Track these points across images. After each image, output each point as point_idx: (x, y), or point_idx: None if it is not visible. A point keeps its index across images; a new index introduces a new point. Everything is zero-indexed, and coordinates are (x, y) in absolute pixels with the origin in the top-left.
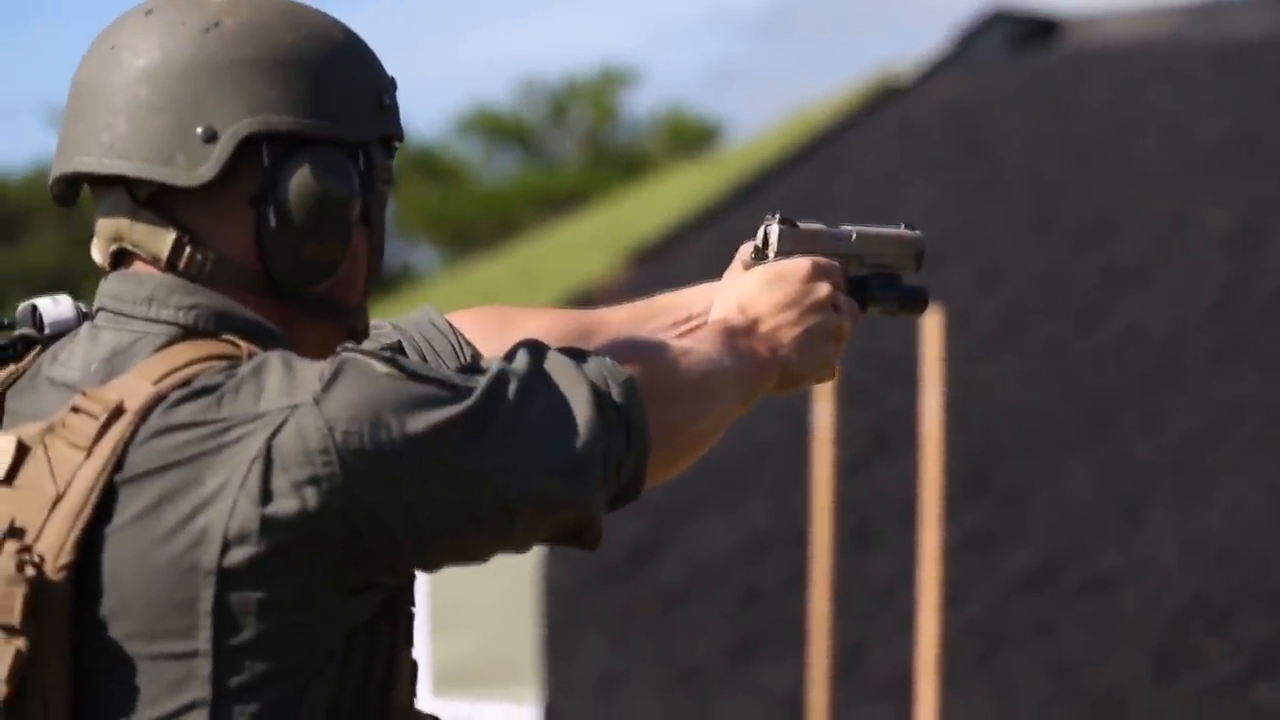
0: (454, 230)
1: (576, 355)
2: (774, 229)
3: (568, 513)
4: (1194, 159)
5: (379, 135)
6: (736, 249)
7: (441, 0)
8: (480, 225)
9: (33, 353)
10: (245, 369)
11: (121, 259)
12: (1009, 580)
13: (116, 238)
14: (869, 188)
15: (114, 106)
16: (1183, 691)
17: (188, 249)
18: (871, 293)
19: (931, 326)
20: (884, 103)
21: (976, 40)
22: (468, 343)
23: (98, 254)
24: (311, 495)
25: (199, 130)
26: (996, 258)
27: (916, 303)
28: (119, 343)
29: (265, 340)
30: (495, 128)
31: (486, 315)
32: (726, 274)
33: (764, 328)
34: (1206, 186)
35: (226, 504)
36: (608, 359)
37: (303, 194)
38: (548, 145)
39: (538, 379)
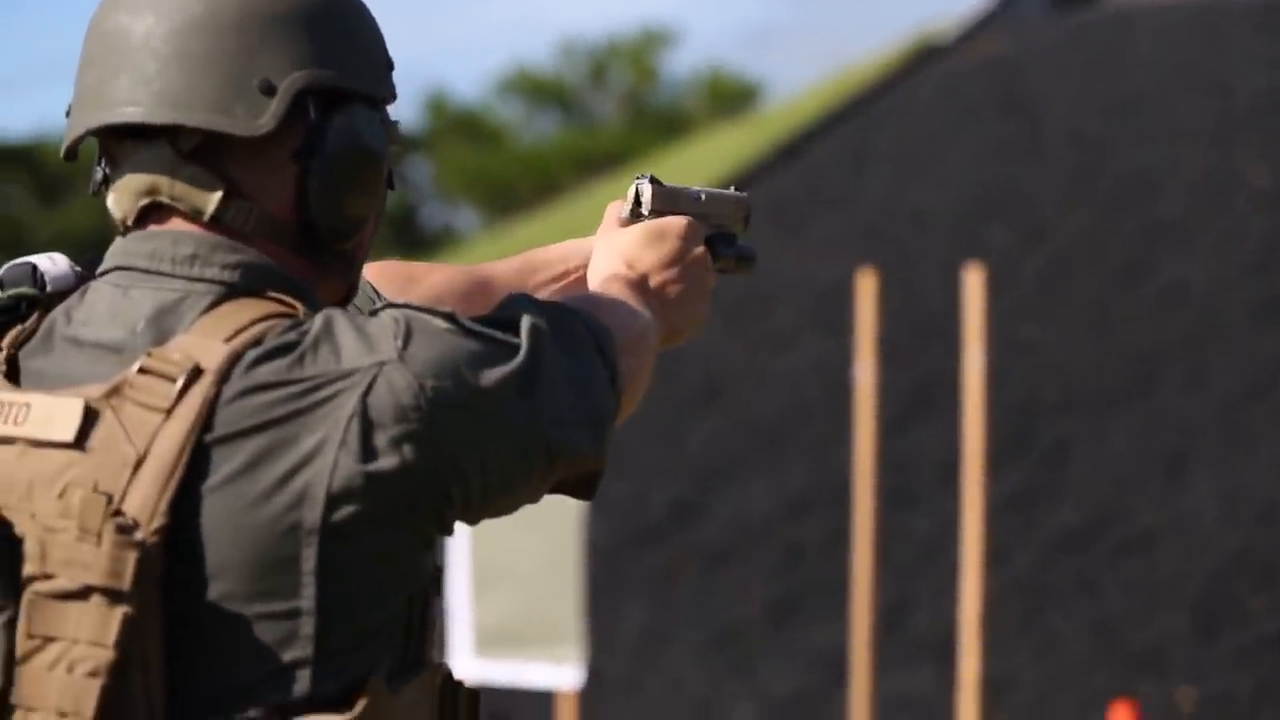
0: (494, 191)
1: (574, 311)
2: (646, 188)
3: (588, 463)
4: (1234, 116)
5: (391, 95)
6: (779, 210)
7: None
8: (521, 186)
9: (36, 312)
10: (315, 327)
11: (150, 214)
12: (1051, 539)
13: (152, 191)
14: (910, 146)
15: (163, 56)
16: (1225, 648)
17: (235, 202)
18: (718, 250)
19: (973, 284)
20: (925, 61)
21: None
22: (381, 297)
23: (120, 208)
24: (409, 451)
25: (255, 82)
26: (1038, 215)
27: (749, 261)
28: (162, 302)
29: (303, 297)
30: (535, 89)
31: (390, 270)
32: (600, 230)
33: (652, 283)
34: (1247, 143)
35: (327, 462)
36: (590, 314)
37: (346, 148)
38: (588, 106)
39: (560, 336)
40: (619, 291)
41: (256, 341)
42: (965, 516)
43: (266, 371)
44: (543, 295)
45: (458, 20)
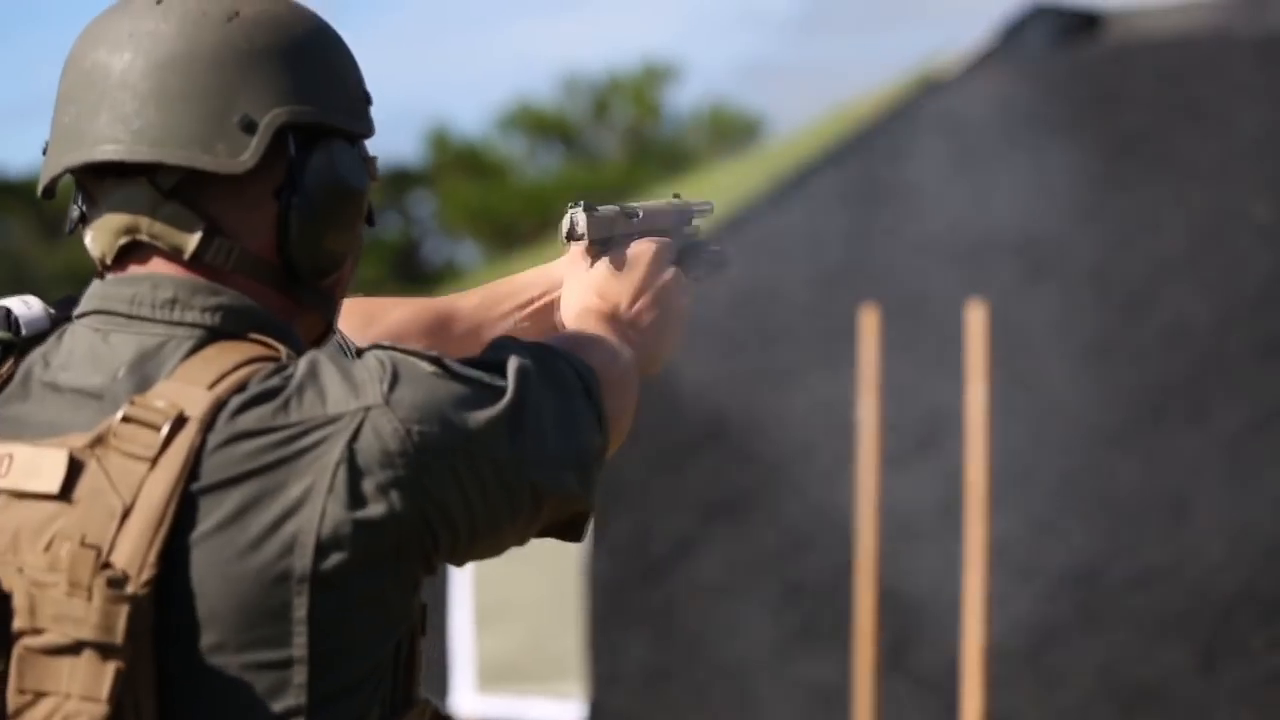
0: (497, 226)
1: (558, 352)
2: (580, 216)
3: (576, 504)
4: (1238, 152)
5: (369, 130)
6: (781, 245)
7: None
8: (523, 221)
9: (11, 358)
10: (299, 371)
11: (129, 253)
12: (1054, 576)
13: (131, 230)
14: (912, 181)
15: (142, 94)
16: (1229, 685)
17: (216, 241)
18: (688, 265)
19: (976, 320)
20: (927, 97)
21: (1020, 34)
22: (343, 335)
23: (98, 247)
24: (397, 497)
25: (235, 119)
26: (1040, 251)
27: (721, 265)
28: (143, 347)
29: (284, 338)
30: (538, 124)
31: (352, 308)
32: (567, 260)
33: (624, 314)
34: (1251, 179)
35: (316, 509)
36: (575, 354)
37: (327, 184)
38: (590, 141)
39: (547, 377)
40: (596, 327)
41: (240, 387)
42: (968, 553)
43: (251, 418)
44: (507, 325)
45: (460, 55)
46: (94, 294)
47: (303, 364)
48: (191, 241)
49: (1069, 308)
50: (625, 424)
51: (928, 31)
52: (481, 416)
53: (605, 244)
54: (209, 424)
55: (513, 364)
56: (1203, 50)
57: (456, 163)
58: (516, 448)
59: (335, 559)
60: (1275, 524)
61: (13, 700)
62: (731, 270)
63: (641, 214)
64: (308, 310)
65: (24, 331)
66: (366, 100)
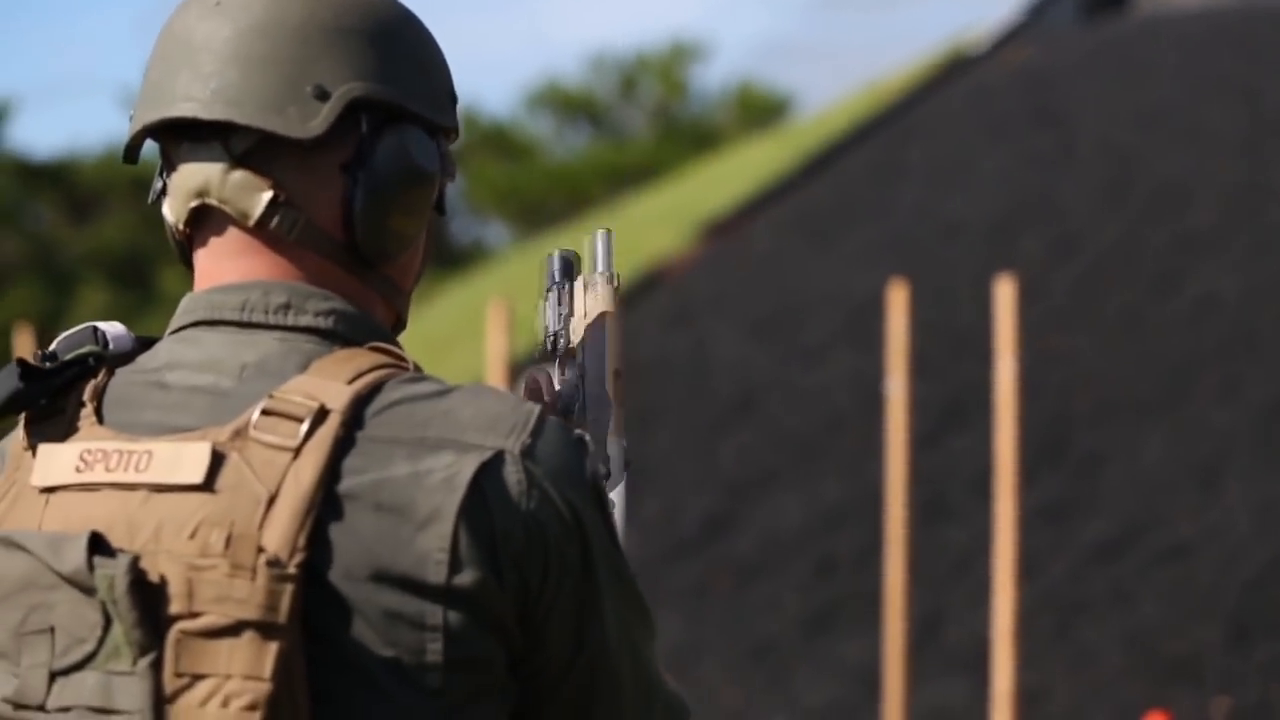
0: (525, 206)
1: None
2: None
3: (677, 706)
4: (1265, 124)
5: (451, 126)
6: (810, 223)
7: None
8: (551, 201)
9: (104, 369)
10: (433, 385)
11: (201, 217)
12: (1085, 549)
13: (202, 192)
14: (941, 157)
15: (224, 56)
16: (1259, 658)
17: (281, 208)
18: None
19: (1005, 295)
20: (955, 72)
21: (1047, 8)
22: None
23: (173, 213)
24: (514, 537)
25: (309, 88)
26: (1070, 226)
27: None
28: (262, 350)
29: (392, 345)
30: (565, 103)
31: None
32: None
33: None
34: (1278, 151)
35: (448, 526)
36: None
37: (396, 164)
38: (618, 120)
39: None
40: None
41: (377, 387)
42: (998, 528)
43: (391, 421)
44: None
45: (487, 35)
46: (197, 304)
47: (437, 380)
48: (259, 205)
49: (1097, 282)
50: None
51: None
52: (608, 517)
53: None
54: (351, 418)
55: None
56: (1229, 23)
57: (484, 142)
58: (631, 589)
59: (467, 576)
60: None
61: (170, 684)
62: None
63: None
64: (376, 296)
65: (111, 346)
66: (452, 98)
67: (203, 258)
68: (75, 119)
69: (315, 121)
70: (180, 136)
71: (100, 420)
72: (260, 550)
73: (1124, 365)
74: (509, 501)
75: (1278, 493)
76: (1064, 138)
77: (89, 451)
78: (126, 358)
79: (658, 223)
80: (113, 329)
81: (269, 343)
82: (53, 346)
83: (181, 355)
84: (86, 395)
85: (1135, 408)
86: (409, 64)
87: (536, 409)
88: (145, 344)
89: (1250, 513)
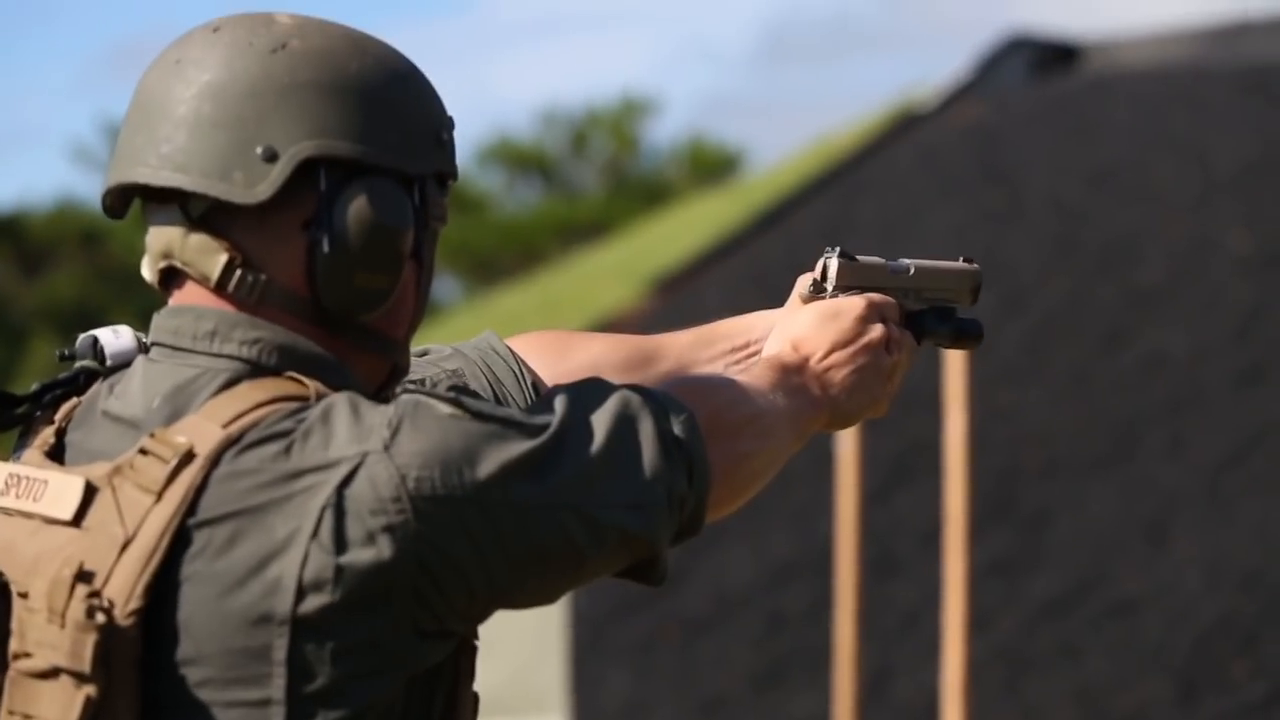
0: (476, 261)
1: (638, 391)
2: (833, 262)
3: (637, 548)
4: (1215, 183)
5: (435, 170)
6: (759, 277)
7: (461, 30)
8: (502, 255)
9: (94, 385)
10: (314, 414)
11: (171, 278)
12: (1034, 605)
13: (166, 254)
14: (891, 214)
15: (175, 119)
16: (1207, 714)
17: (239, 270)
18: (928, 327)
19: (954, 352)
20: (905, 129)
21: (997, 66)
22: (528, 368)
23: (147, 271)
24: (386, 543)
25: (259, 149)
26: (1019, 283)
27: (972, 336)
28: (180, 378)
29: (329, 374)
30: (516, 158)
31: (546, 340)
32: (785, 306)
33: (816, 366)
34: (1228, 210)
35: (298, 553)
36: (670, 395)
37: (357, 221)
38: (569, 175)
39: (603, 416)
40: (760, 374)
41: (255, 426)
42: (947, 583)
43: (254, 459)
44: (717, 367)
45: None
46: (153, 325)
47: (319, 407)
48: (217, 269)
49: (1046, 338)
50: (752, 473)
51: (894, 63)
52: (501, 459)
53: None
54: (214, 461)
55: (561, 401)
56: (1180, 82)
57: None
58: (547, 487)
59: (316, 602)
60: (1253, 554)
61: None
62: (983, 343)
63: (914, 270)
64: (360, 350)
65: (109, 361)
66: (436, 139)
67: None
68: (24, 172)
69: (262, 186)
70: (147, 197)
71: (60, 441)
72: (95, 594)
73: (1073, 421)
74: (378, 500)
75: (1226, 548)
76: (1013, 194)
77: (13, 475)
78: (125, 368)
79: (609, 277)
80: (116, 340)
81: (187, 371)
82: (67, 350)
83: (131, 379)
84: (60, 415)
85: (1084, 463)
86: (376, 112)
87: (408, 399)
88: (147, 350)
89: (1198, 569)
